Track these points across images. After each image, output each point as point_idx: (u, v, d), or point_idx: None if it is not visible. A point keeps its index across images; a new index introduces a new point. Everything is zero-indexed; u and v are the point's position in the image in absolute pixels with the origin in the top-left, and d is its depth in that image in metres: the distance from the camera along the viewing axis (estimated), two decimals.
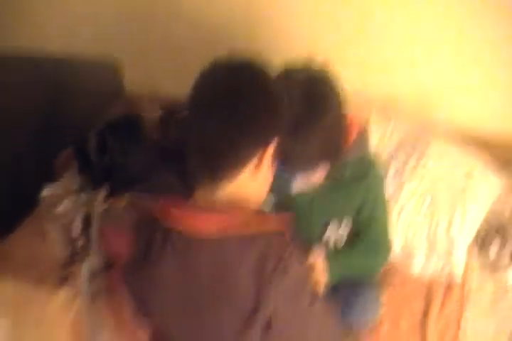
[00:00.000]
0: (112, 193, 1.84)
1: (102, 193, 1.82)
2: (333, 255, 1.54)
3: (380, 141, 2.01)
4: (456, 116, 2.16)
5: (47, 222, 1.87)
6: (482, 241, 1.93)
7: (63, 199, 1.87)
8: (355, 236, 1.62)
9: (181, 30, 2.30)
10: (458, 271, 1.84)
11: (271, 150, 1.12)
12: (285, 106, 1.13)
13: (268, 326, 1.09)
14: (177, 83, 2.31)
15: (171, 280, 1.14)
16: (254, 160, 1.10)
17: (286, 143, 1.18)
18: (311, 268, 1.38)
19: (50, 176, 2.08)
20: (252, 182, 1.13)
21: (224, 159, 1.09)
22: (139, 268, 1.18)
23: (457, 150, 2.01)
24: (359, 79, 1.99)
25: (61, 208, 1.85)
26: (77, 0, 2.34)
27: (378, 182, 1.62)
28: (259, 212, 1.20)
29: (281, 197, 1.54)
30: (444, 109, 2.16)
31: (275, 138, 1.12)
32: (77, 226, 1.81)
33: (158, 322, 1.24)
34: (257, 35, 2.23)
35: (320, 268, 1.47)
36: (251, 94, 1.08)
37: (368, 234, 1.61)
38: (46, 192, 1.91)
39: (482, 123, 2.16)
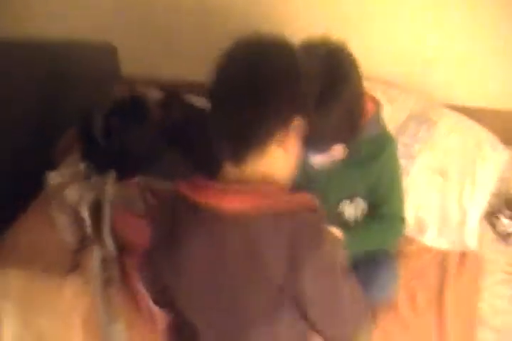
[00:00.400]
0: (120, 176, 1.79)
1: (111, 176, 1.77)
2: (351, 231, 1.54)
3: (388, 115, 1.99)
4: (456, 92, 2.18)
5: (54, 208, 1.82)
6: (492, 214, 1.95)
7: (70, 185, 1.83)
8: (371, 212, 1.63)
9: (179, 16, 2.28)
10: (471, 241, 1.86)
11: (295, 126, 1.11)
12: (306, 82, 1.12)
13: (301, 301, 1.08)
14: (173, 67, 2.38)
15: (200, 258, 1.12)
16: (279, 138, 1.08)
17: (308, 119, 1.17)
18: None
19: (50, 163, 2.05)
20: (278, 159, 1.12)
21: (247, 137, 1.08)
22: (164, 249, 1.16)
23: (464, 122, 2.03)
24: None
25: (68, 193, 1.79)
26: None
27: (394, 159, 1.62)
28: (288, 189, 1.19)
29: (299, 174, 1.52)
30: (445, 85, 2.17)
31: (299, 115, 1.11)
32: (85, 211, 1.76)
33: (183, 306, 1.21)
34: (254, 18, 2.20)
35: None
36: (271, 70, 1.07)
37: (384, 210, 1.62)
38: (52, 177, 1.86)
39: (482, 99, 2.17)
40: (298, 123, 1.10)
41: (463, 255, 1.84)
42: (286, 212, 1.06)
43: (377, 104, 1.55)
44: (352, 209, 1.62)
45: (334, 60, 1.35)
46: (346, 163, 1.54)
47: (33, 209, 1.93)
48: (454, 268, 1.81)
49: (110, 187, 1.74)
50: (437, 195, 1.91)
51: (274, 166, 1.12)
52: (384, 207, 1.62)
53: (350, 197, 1.61)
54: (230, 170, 1.12)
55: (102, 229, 1.69)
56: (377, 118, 1.55)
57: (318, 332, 1.18)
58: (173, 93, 2.11)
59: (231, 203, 1.07)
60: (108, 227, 1.69)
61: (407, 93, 2.05)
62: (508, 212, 1.93)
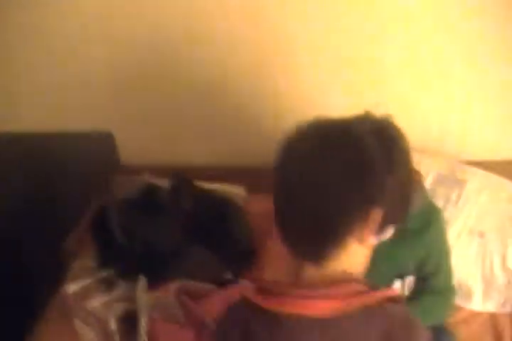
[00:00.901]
0: (149, 279, 1.68)
1: (141, 283, 1.66)
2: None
3: None
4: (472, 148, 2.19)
5: (77, 320, 1.70)
6: None
7: (93, 294, 1.71)
8: (420, 285, 1.58)
9: (177, 101, 2.26)
10: None
11: (374, 219, 1.02)
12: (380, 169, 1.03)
13: None
14: (175, 153, 2.35)
15: None
16: (359, 232, 1.01)
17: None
18: None
19: (55, 262, 1.96)
20: (357, 254, 1.05)
21: (331, 234, 1.00)
22: None
23: (492, 178, 2.00)
24: None
25: (93, 305, 1.68)
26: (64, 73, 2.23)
27: (442, 230, 1.59)
28: (364, 281, 1.10)
29: None
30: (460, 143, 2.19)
31: (378, 206, 1.01)
32: (114, 324, 1.64)
33: None
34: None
35: None
36: (350, 162, 0.99)
37: (434, 283, 1.58)
38: (70, 287, 1.74)
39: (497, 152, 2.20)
40: (377, 216, 1.02)
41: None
42: (374, 307, 0.99)
43: (418, 174, 1.51)
44: (400, 287, 1.56)
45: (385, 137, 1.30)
46: (393, 241, 1.48)
47: (50, 322, 1.80)
48: (509, 330, 1.75)
49: (143, 296, 1.61)
50: (478, 257, 1.86)
51: (353, 261, 1.05)
52: (434, 280, 1.58)
53: (401, 276, 1.55)
54: (308, 271, 1.04)
55: None
56: (420, 189, 1.50)
57: None
58: (182, 179, 2.03)
59: (320, 309, 0.99)
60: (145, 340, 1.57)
61: (429, 156, 2.02)
62: None
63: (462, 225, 1.89)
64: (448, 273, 1.61)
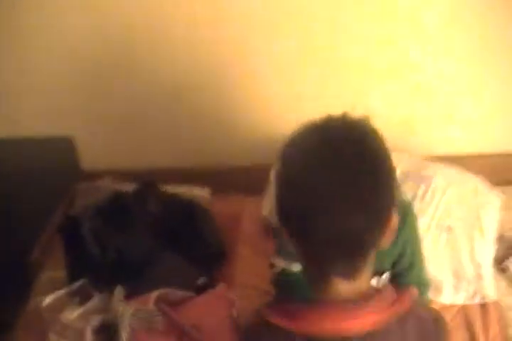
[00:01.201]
0: (126, 288, 1.66)
1: (118, 292, 1.63)
2: None
3: None
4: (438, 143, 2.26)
5: (53, 334, 1.66)
6: (499, 259, 1.97)
7: (67, 307, 1.68)
8: (396, 282, 1.57)
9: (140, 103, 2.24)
10: (490, 291, 1.86)
11: (393, 224, 1.00)
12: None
13: None
14: (136, 156, 2.34)
15: None
16: (380, 239, 0.99)
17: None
18: None
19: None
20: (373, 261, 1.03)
21: (363, 247, 0.97)
22: None
23: (457, 173, 2.05)
24: None
25: (69, 316, 1.64)
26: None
27: (415, 226, 1.60)
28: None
29: None
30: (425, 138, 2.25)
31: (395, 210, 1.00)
32: (90, 336, 1.61)
33: None
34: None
35: None
36: (374, 164, 0.96)
37: (408, 279, 1.58)
38: (46, 299, 1.70)
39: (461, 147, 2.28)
40: (395, 219, 1.00)
41: (483, 306, 1.84)
42: (406, 313, 0.99)
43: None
44: (376, 284, 1.58)
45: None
46: None
47: (22, 337, 1.77)
48: (480, 321, 1.80)
49: (121, 306, 1.59)
50: (447, 251, 1.91)
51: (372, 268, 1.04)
52: (409, 275, 1.59)
53: (379, 273, 1.56)
54: (340, 285, 0.99)
55: None
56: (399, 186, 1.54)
57: None
58: (147, 183, 2.01)
59: (364, 325, 0.96)
60: None
61: (394, 153, 2.04)
62: None
63: (430, 220, 1.93)
64: (421, 267, 1.62)
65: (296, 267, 1.52)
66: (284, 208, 1.01)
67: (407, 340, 0.99)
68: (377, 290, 1.01)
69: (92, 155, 2.32)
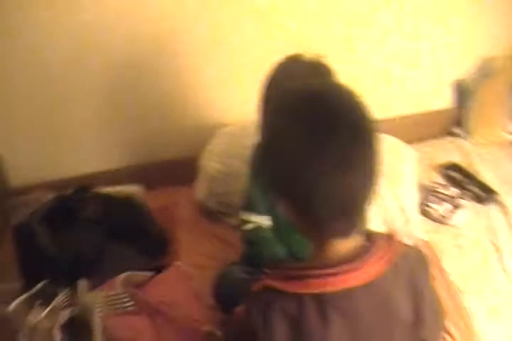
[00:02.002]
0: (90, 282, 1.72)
1: (82, 284, 1.69)
2: None
3: None
4: None
5: (22, 338, 1.69)
6: (420, 205, 2.21)
7: (32, 309, 1.71)
8: None
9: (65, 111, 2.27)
10: (420, 232, 2.09)
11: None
12: None
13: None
14: (61, 166, 2.38)
15: None
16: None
17: None
18: None
19: None
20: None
21: (360, 206, 1.02)
22: None
23: None
24: None
25: (37, 316, 1.68)
26: None
27: None
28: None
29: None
30: None
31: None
32: (58, 334, 1.64)
33: None
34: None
35: None
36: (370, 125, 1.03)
37: None
38: (11, 305, 1.72)
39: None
40: (380, 175, 1.07)
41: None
42: (397, 257, 1.06)
43: None
44: None
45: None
46: None
47: None
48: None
49: (88, 296, 1.65)
50: (376, 206, 2.06)
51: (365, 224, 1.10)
52: None
53: None
54: (337, 246, 1.04)
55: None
56: None
57: None
58: (81, 187, 2.08)
59: (365, 277, 1.02)
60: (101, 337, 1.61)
61: None
62: (434, 199, 2.20)
63: None
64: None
65: (268, 222, 1.66)
66: (278, 180, 1.05)
67: (400, 279, 1.07)
68: (371, 243, 1.05)
69: (18, 170, 2.31)
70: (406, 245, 1.14)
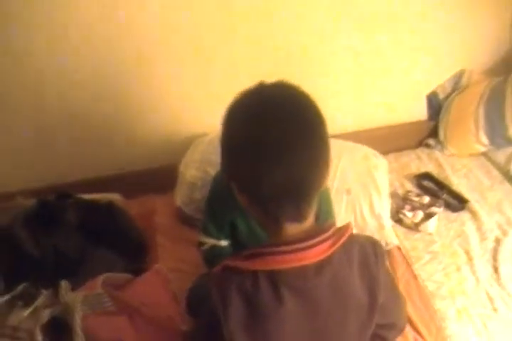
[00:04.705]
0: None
1: (64, 284, 1.77)
2: None
3: None
4: None
5: (4, 339, 1.77)
6: (395, 212, 2.35)
7: (13, 311, 1.79)
8: None
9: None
10: (392, 238, 2.21)
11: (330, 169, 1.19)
12: None
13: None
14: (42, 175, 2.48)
15: (294, 323, 1.18)
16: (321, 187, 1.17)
17: None
18: None
19: None
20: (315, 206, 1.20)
21: (310, 191, 1.13)
22: (248, 329, 1.16)
23: (346, 144, 2.41)
24: None
25: (19, 317, 1.75)
26: None
27: (327, 191, 1.86)
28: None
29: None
30: None
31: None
32: (39, 335, 1.70)
33: None
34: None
35: None
36: (313, 116, 1.13)
37: None
38: None
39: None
40: (331, 164, 1.18)
41: (388, 252, 2.17)
42: (349, 242, 1.17)
43: None
44: None
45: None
46: None
47: None
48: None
49: (69, 295, 1.74)
50: (348, 211, 2.22)
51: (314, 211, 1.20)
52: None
53: None
54: (290, 229, 1.16)
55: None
56: None
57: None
58: (61, 193, 2.17)
59: (316, 255, 1.13)
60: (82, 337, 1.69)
61: None
62: (407, 207, 2.34)
63: (330, 185, 2.20)
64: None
65: (224, 242, 1.79)
66: (234, 167, 1.16)
67: (353, 263, 1.18)
68: (324, 228, 1.16)
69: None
70: (359, 234, 1.29)
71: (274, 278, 1.13)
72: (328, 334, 1.22)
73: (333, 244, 1.14)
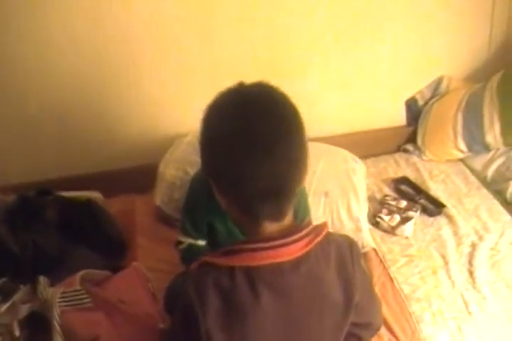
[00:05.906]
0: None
1: (43, 279, 1.80)
2: None
3: None
4: None
5: None
6: (371, 216, 2.41)
7: None
8: None
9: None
10: (369, 241, 2.27)
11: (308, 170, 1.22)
12: None
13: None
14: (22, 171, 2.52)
15: (271, 319, 1.21)
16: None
17: None
18: None
19: None
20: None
21: (289, 191, 1.16)
22: (225, 326, 1.19)
23: (325, 147, 2.48)
24: None
25: None
26: None
27: (304, 191, 1.89)
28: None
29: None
30: None
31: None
32: (17, 330, 1.72)
33: None
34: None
35: None
36: (290, 117, 1.16)
37: None
38: None
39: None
40: (309, 165, 1.21)
41: (364, 254, 2.22)
42: (326, 241, 1.21)
43: None
44: None
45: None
46: None
47: None
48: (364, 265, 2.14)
49: (48, 291, 1.76)
50: (326, 213, 2.28)
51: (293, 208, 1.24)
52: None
53: None
54: (269, 227, 1.19)
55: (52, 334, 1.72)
56: None
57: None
58: (42, 190, 2.20)
59: (292, 252, 1.17)
60: (60, 333, 1.72)
61: None
62: (384, 210, 2.40)
63: (308, 188, 2.24)
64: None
65: (202, 242, 1.83)
66: (213, 167, 1.19)
67: (330, 261, 1.22)
68: (301, 227, 1.21)
69: None
70: (336, 233, 1.31)
71: (251, 275, 1.16)
72: (303, 330, 1.26)
73: (310, 242, 1.18)
